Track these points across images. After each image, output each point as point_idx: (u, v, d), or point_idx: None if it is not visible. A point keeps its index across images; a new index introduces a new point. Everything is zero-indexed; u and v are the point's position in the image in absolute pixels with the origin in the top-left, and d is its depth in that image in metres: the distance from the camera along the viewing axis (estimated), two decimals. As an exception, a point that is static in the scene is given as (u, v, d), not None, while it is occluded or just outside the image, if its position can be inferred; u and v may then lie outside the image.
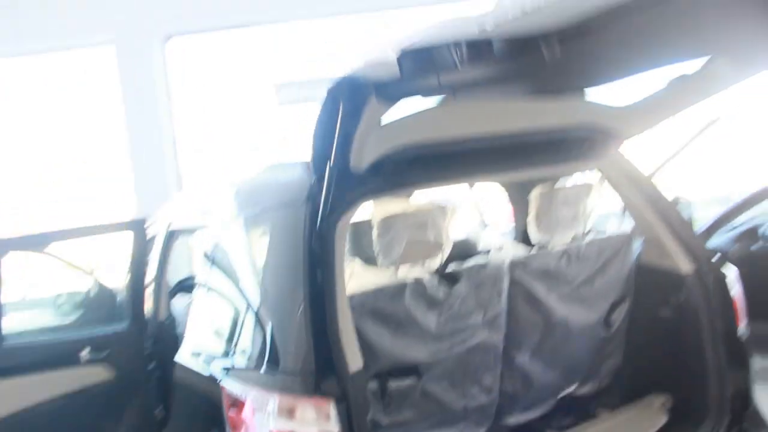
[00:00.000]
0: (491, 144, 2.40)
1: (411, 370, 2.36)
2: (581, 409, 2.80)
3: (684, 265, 2.61)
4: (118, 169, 6.76)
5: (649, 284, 2.74)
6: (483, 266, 2.44)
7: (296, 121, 7.13)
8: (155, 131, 6.56)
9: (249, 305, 2.25)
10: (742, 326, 2.61)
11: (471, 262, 2.47)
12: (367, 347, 2.19)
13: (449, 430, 2.53)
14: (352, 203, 2.17)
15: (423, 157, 2.27)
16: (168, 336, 3.67)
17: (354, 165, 2.03)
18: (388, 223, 2.34)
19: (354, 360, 2.01)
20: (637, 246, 2.76)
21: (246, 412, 2.05)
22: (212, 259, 2.59)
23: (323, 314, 2.02)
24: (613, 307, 2.74)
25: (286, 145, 7.13)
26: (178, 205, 3.65)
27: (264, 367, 2.08)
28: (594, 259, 2.65)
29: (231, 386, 2.18)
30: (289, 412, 1.95)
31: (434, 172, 2.37)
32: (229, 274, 2.43)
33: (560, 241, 2.68)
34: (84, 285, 4.28)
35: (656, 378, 2.76)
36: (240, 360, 2.25)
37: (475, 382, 2.51)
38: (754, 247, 4.17)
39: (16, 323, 3.73)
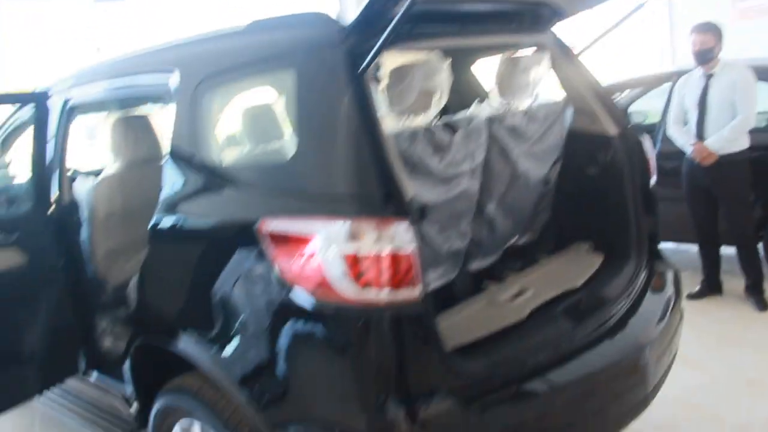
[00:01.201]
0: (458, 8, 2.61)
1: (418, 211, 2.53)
2: (525, 255, 3.19)
3: (611, 128, 3.06)
4: None
5: (578, 146, 3.16)
6: (472, 118, 2.67)
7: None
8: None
9: (289, 145, 2.26)
10: (653, 180, 3.14)
11: (461, 114, 2.70)
12: None
13: (433, 272, 2.77)
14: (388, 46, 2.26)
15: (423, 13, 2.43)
16: (72, 220, 3.46)
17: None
18: (400, 72, 2.47)
19: (408, 187, 2.13)
20: (568, 113, 3.16)
21: (310, 244, 2.07)
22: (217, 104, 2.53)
23: (377, 145, 2.12)
24: (553, 165, 3.14)
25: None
26: (83, 74, 3.37)
27: (322, 198, 2.13)
28: (542, 120, 3.00)
29: (278, 224, 2.17)
30: (358, 235, 2.03)
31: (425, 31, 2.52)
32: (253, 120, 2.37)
33: (517, 104, 2.99)
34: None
35: (580, 228, 3.23)
36: (288, 197, 2.24)
37: (455, 227, 2.76)
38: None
39: None
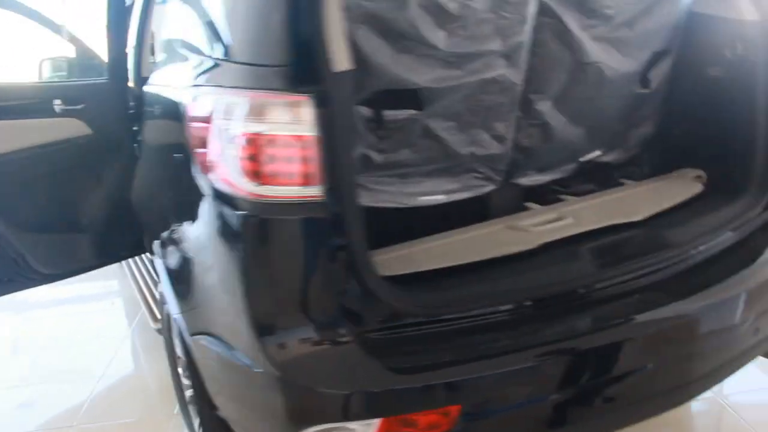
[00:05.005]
0: None
1: (412, 99, 2.00)
2: (603, 177, 2.48)
3: (749, 12, 2.18)
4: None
5: (700, 36, 2.32)
6: None
7: None
8: None
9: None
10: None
11: None
12: (361, 61, 1.82)
13: (452, 181, 2.22)
14: None
15: None
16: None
17: None
18: None
19: (340, 58, 1.62)
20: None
21: (211, 120, 1.69)
22: None
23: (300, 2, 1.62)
24: (655, 59, 2.34)
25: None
26: None
27: (230, 67, 1.72)
28: None
29: (196, 102, 1.82)
30: (261, 113, 1.60)
31: None
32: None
33: None
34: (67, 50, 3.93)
35: (693, 149, 2.41)
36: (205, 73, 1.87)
37: (486, 128, 2.17)
38: None
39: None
